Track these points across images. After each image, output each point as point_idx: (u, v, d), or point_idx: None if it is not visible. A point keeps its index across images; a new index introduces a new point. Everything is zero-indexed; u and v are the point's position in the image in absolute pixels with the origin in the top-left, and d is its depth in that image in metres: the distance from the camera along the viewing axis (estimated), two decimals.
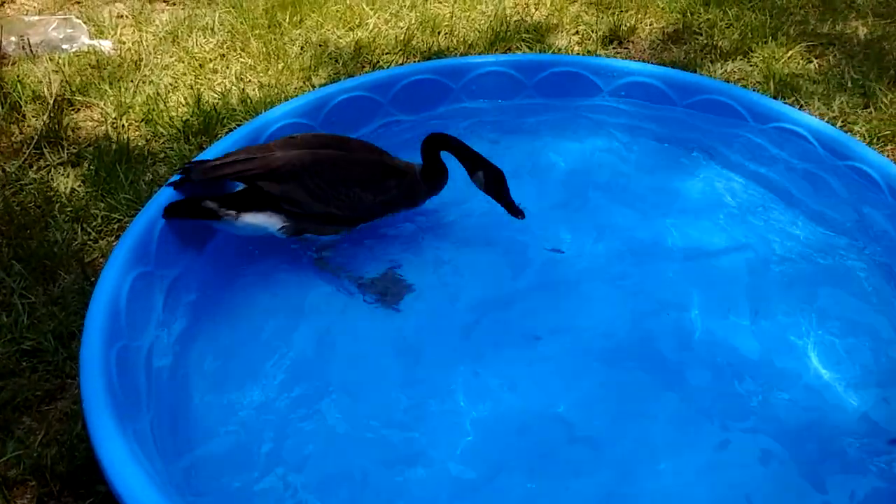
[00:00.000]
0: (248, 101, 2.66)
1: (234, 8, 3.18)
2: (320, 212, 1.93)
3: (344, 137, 2.05)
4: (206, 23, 3.09)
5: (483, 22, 3.19)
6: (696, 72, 2.85)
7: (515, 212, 1.97)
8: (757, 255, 2.01)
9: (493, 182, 1.95)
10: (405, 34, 3.07)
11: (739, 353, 1.79)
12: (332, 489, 1.54)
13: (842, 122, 2.57)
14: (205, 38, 3.01)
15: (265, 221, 1.89)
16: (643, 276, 1.99)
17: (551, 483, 1.57)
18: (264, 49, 2.94)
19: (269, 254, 2.00)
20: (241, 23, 3.07)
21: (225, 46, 2.97)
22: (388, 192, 1.99)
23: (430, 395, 1.70)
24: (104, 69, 2.79)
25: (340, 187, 1.93)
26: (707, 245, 2.07)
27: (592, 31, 3.12)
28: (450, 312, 1.89)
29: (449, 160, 1.99)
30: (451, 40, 3.10)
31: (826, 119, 2.58)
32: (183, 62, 2.87)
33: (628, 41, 3.10)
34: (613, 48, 3.07)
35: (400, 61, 2.96)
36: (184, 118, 2.55)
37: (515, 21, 3.19)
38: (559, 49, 3.06)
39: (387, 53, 3.00)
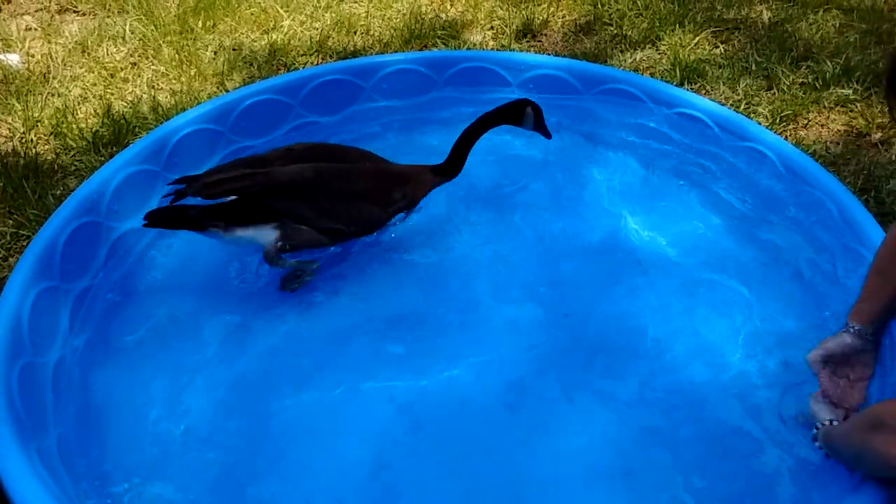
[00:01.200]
0: (160, 108, 2.63)
1: (145, 16, 3.13)
2: (326, 227, 1.87)
3: (340, 146, 1.99)
4: (117, 31, 3.04)
5: (398, 20, 3.20)
6: (606, 62, 2.91)
7: (549, 133, 2.05)
8: (660, 238, 2.07)
9: (538, 111, 2.00)
10: (320, 35, 3.07)
11: (646, 335, 1.85)
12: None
13: (746, 104, 2.64)
14: (115, 47, 2.96)
15: (259, 236, 1.83)
16: (555, 268, 2.03)
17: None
18: (176, 56, 2.91)
19: (178, 265, 1.98)
20: (153, 30, 3.03)
21: (136, 55, 2.93)
22: (394, 204, 1.95)
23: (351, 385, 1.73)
24: (11, 84, 2.74)
25: (347, 202, 1.87)
26: (616, 233, 2.12)
27: (506, 26, 3.15)
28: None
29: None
30: (367, 40, 3.10)
31: (731, 102, 2.65)
32: (93, 72, 2.83)
33: (541, 34, 3.14)
34: (527, 41, 3.11)
35: (316, 62, 2.96)
36: (94, 129, 2.51)
37: (431, 18, 3.21)
38: (474, 44, 3.08)
39: (302, 55, 3.00)
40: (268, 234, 1.83)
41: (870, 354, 1.62)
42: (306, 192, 1.81)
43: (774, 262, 1.99)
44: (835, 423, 1.48)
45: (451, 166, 2.00)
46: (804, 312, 1.89)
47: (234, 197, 1.81)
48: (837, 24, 3.10)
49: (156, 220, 1.80)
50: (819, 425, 1.49)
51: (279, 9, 3.23)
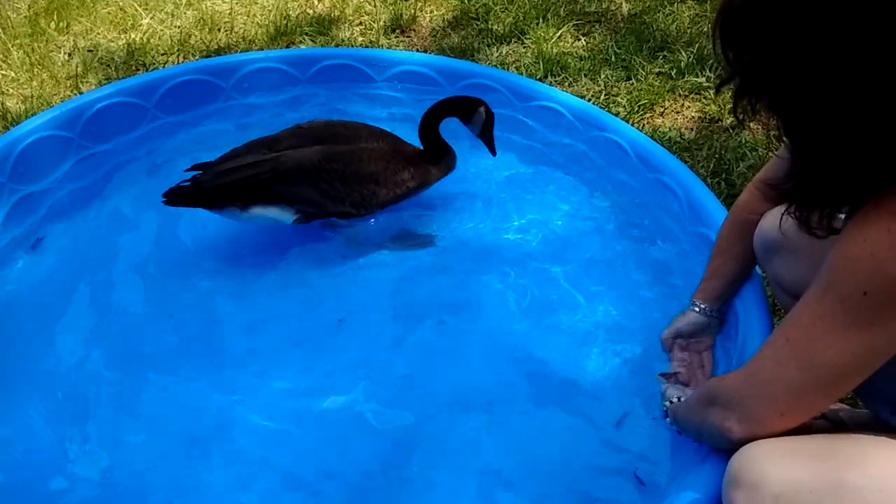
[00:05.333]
0: (9, 115, 2.51)
1: None
2: (335, 210, 1.92)
3: (351, 123, 2.04)
4: None
5: (264, 17, 3.15)
6: (473, 56, 2.94)
7: (494, 148, 2.06)
8: (529, 226, 2.12)
9: (490, 117, 2.01)
10: (181, 33, 2.99)
11: (505, 326, 1.89)
12: None
13: (606, 94, 2.72)
14: None
15: (277, 214, 1.88)
16: (429, 266, 2.04)
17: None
18: (27, 59, 2.78)
19: None
20: (0, 33, 2.88)
21: None
22: (402, 185, 1.99)
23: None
24: None
25: (354, 184, 1.91)
26: (486, 225, 2.15)
27: (374, 22, 3.14)
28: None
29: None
30: (231, 37, 3.04)
31: (592, 93, 2.73)
32: None
33: (410, 30, 3.15)
34: (396, 37, 3.11)
35: (177, 61, 2.88)
36: None
37: (297, 15, 3.17)
38: (342, 41, 3.06)
39: (163, 54, 2.91)
40: (286, 213, 1.89)
41: (714, 330, 1.71)
42: (312, 177, 1.86)
43: (632, 249, 2.06)
44: (682, 399, 1.54)
45: (435, 154, 2.04)
46: (660, 298, 1.95)
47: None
48: (692, 15, 3.22)
49: (174, 198, 1.82)
50: (667, 403, 1.55)
51: (138, 7, 3.13)
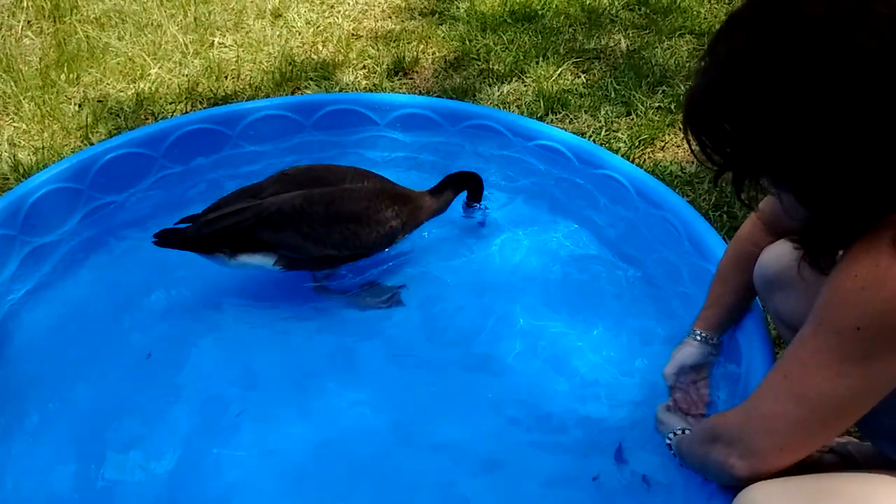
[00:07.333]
0: (21, 167, 2.56)
1: (4, 71, 3.05)
2: (317, 255, 1.93)
3: (336, 167, 2.04)
4: None
5: (269, 63, 3.21)
6: (475, 96, 2.99)
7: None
8: (531, 263, 2.14)
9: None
10: (189, 82, 3.05)
11: (512, 354, 1.92)
12: None
13: (606, 130, 2.76)
14: None
15: (261, 260, 1.90)
16: (425, 306, 2.07)
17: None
18: (38, 111, 2.84)
19: None
20: (12, 86, 2.95)
21: None
22: (385, 223, 1.96)
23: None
24: None
25: (335, 226, 1.91)
26: (488, 262, 2.18)
27: (377, 65, 3.20)
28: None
29: None
30: (238, 84, 3.10)
31: (592, 129, 2.76)
32: None
33: (413, 72, 3.21)
34: (399, 79, 3.16)
35: (185, 109, 2.94)
36: None
37: (302, 60, 3.23)
38: (346, 85, 3.12)
39: (171, 103, 2.97)
40: (268, 259, 1.91)
41: (712, 359, 1.71)
42: (294, 221, 1.87)
43: (631, 283, 2.08)
44: (687, 431, 1.55)
45: (442, 190, 2.11)
46: (662, 332, 1.96)
47: None
48: (690, 49, 3.27)
49: (165, 240, 1.86)
50: (671, 435, 1.56)
51: (146, 57, 3.19)
